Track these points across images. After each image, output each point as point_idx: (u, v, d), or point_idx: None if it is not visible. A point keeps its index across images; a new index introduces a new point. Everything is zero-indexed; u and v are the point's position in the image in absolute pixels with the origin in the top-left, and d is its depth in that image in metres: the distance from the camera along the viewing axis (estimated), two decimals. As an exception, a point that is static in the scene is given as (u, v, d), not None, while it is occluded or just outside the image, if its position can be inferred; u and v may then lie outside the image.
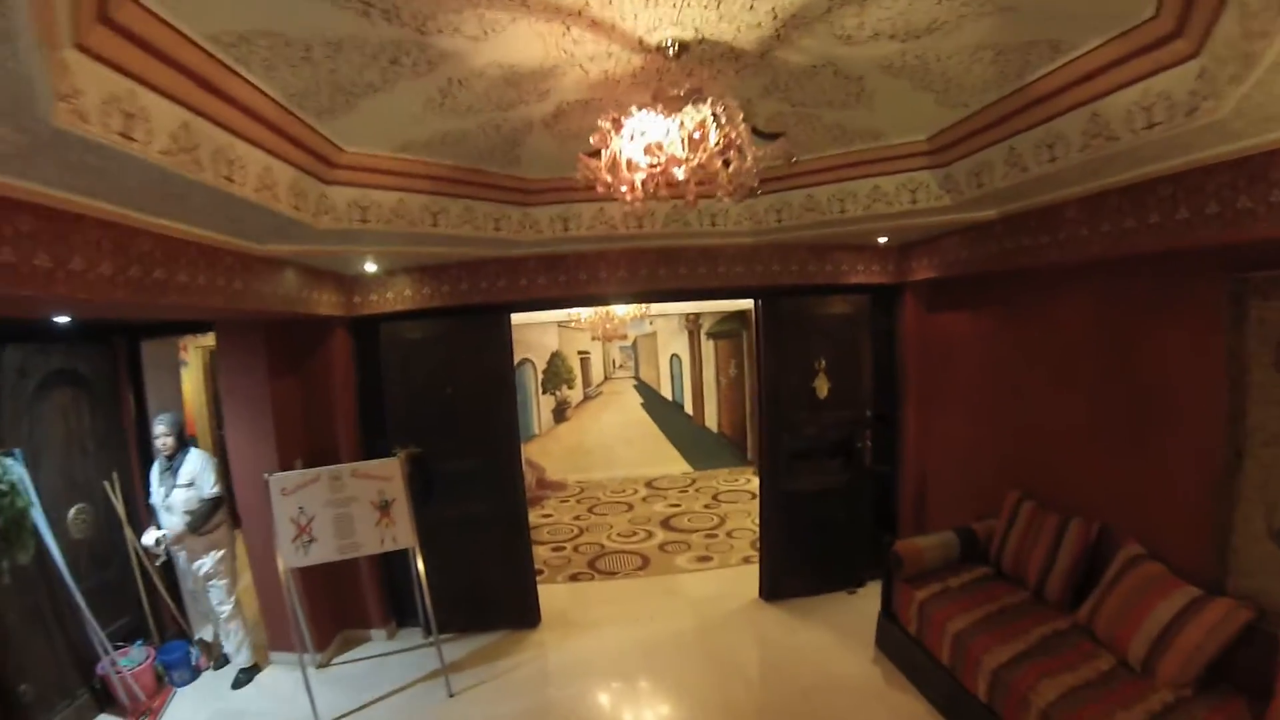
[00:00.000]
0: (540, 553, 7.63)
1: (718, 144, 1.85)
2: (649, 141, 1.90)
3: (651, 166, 1.90)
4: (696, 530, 8.13)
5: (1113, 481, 4.13)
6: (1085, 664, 3.55)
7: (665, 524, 8.46)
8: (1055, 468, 4.63)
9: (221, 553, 5.05)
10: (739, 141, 1.90)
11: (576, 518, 9.05)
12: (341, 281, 5.21)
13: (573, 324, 8.71)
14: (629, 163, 1.95)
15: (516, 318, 10.72)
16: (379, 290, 5.26)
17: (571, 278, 4.92)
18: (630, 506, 9.41)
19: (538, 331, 10.95)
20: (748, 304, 9.48)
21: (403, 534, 4.86)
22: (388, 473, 4.85)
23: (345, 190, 3.54)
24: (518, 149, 3.54)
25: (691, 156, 1.90)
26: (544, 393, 11.20)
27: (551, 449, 11.28)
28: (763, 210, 4.38)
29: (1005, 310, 5.03)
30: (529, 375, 11.16)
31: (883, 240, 5.25)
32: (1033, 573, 4.38)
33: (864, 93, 3.04)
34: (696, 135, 1.86)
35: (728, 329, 11.27)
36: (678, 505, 9.32)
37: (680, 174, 1.87)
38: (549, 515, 9.26)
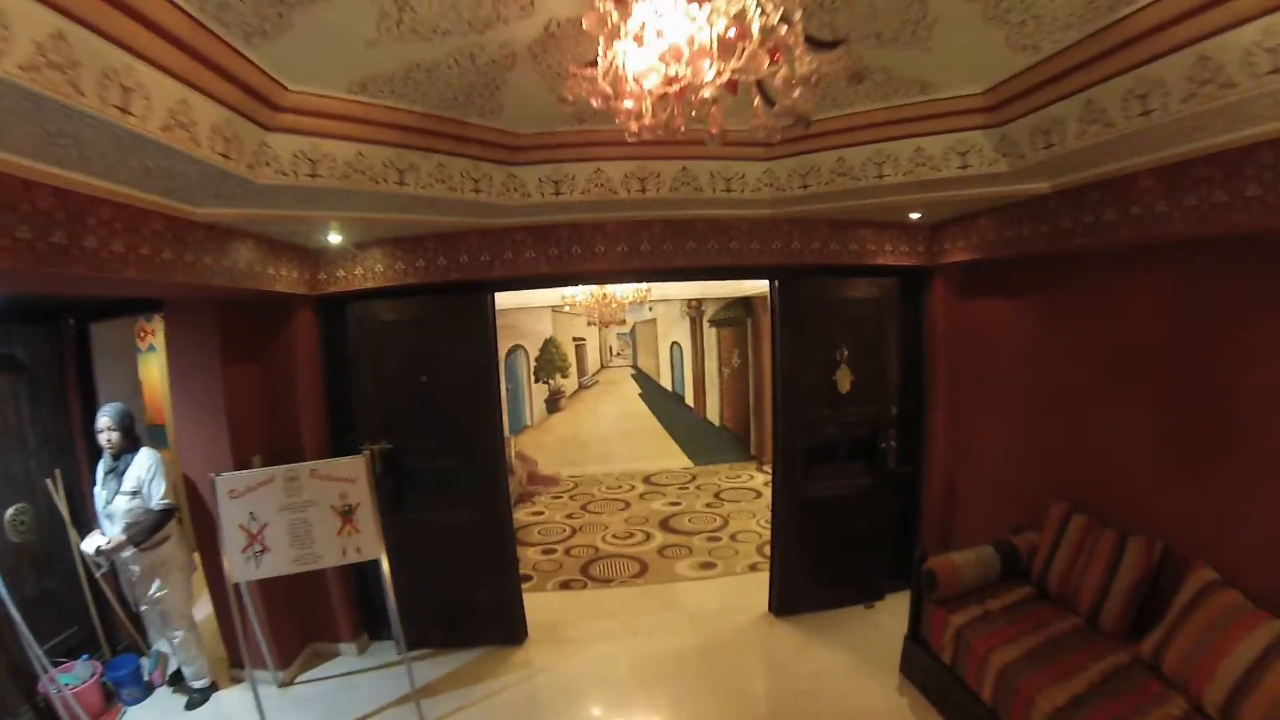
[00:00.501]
0: (529, 556, 7.11)
1: (761, 42, 1.29)
2: (667, 45, 1.34)
3: (669, 80, 1.34)
4: (698, 532, 7.61)
5: (1182, 496, 3.61)
6: (1155, 709, 3.07)
7: (664, 525, 7.94)
8: (1111, 478, 4.10)
9: (173, 577, 4.49)
10: (791, 41, 1.34)
11: (569, 516, 8.53)
12: (304, 256, 4.65)
13: (566, 308, 8.11)
14: (637, 76, 1.39)
15: (505, 299, 10.26)
16: (346, 265, 4.70)
17: (564, 252, 4.35)
18: (627, 504, 8.89)
19: (531, 317, 10.39)
20: (756, 289, 8.94)
21: (368, 544, 4.32)
22: (351, 473, 4.30)
23: (291, 139, 2.98)
24: (499, 93, 2.98)
25: (724, 65, 1.34)
26: (537, 381, 10.65)
27: (544, 441, 10.75)
28: (785, 175, 3.81)
29: (1054, 298, 4.49)
30: (521, 363, 10.61)
31: (915, 217, 4.69)
32: (1086, 597, 3.88)
33: (924, 20, 2.48)
34: (732, 33, 1.31)
35: (731, 316, 10.72)
36: (678, 504, 8.80)
37: (711, 75, 1.30)
38: (540, 513, 8.73)
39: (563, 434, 10.79)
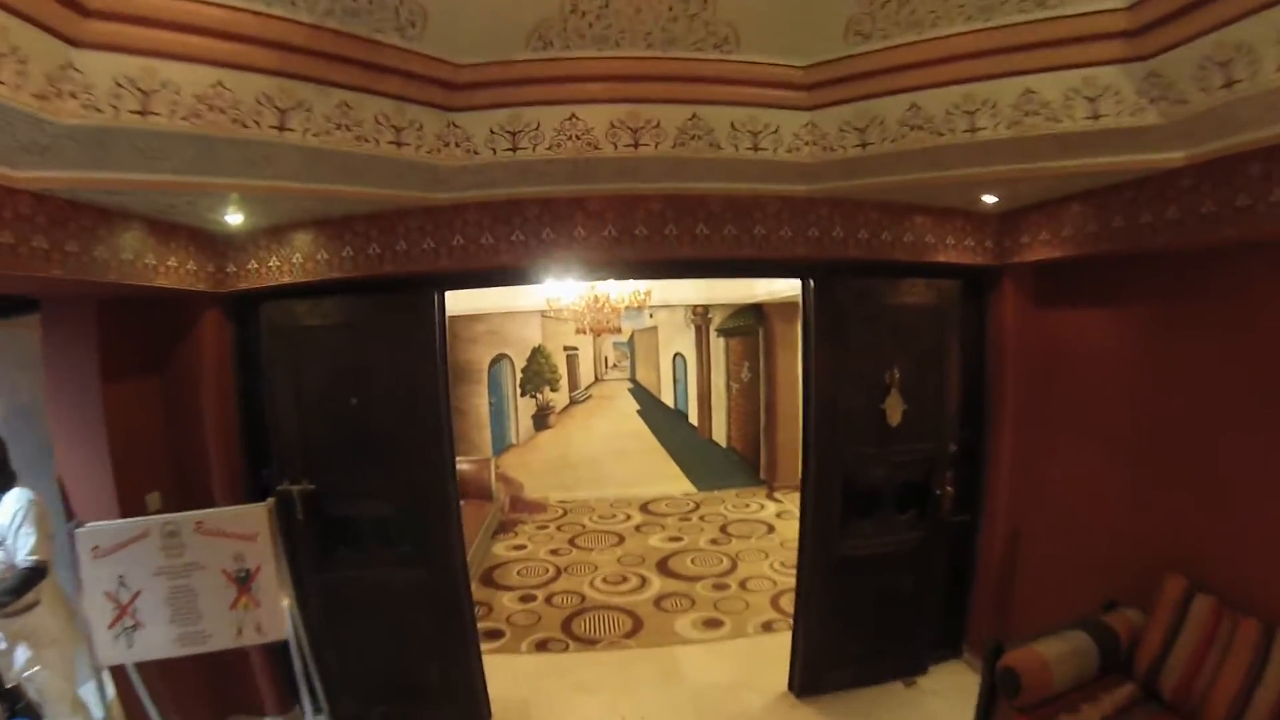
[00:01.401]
0: (503, 604, 6.13)
1: None
2: None
3: None
4: (702, 578, 6.61)
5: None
6: None
7: (663, 567, 6.93)
8: (1252, 546, 3.11)
9: (46, 653, 3.48)
10: None
11: (554, 551, 7.53)
12: (204, 243, 3.68)
13: (550, 312, 7.06)
14: None
15: (484, 301, 9.30)
16: (259, 254, 3.73)
17: (531, 237, 3.36)
18: (620, 539, 7.89)
19: (516, 322, 9.41)
20: (773, 293, 7.91)
21: (271, 620, 3.35)
22: (248, 528, 3.33)
23: (112, 59, 2.03)
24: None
25: None
26: (523, 395, 9.65)
27: (531, 462, 9.76)
28: (835, 129, 2.81)
29: (1174, 306, 3.50)
30: (506, 374, 9.63)
31: (990, 200, 3.72)
32: (1217, 708, 2.91)
33: None
34: None
35: (741, 325, 9.74)
36: (678, 539, 7.80)
37: None
38: (521, 547, 7.74)
39: (551, 454, 9.81)
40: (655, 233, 3.40)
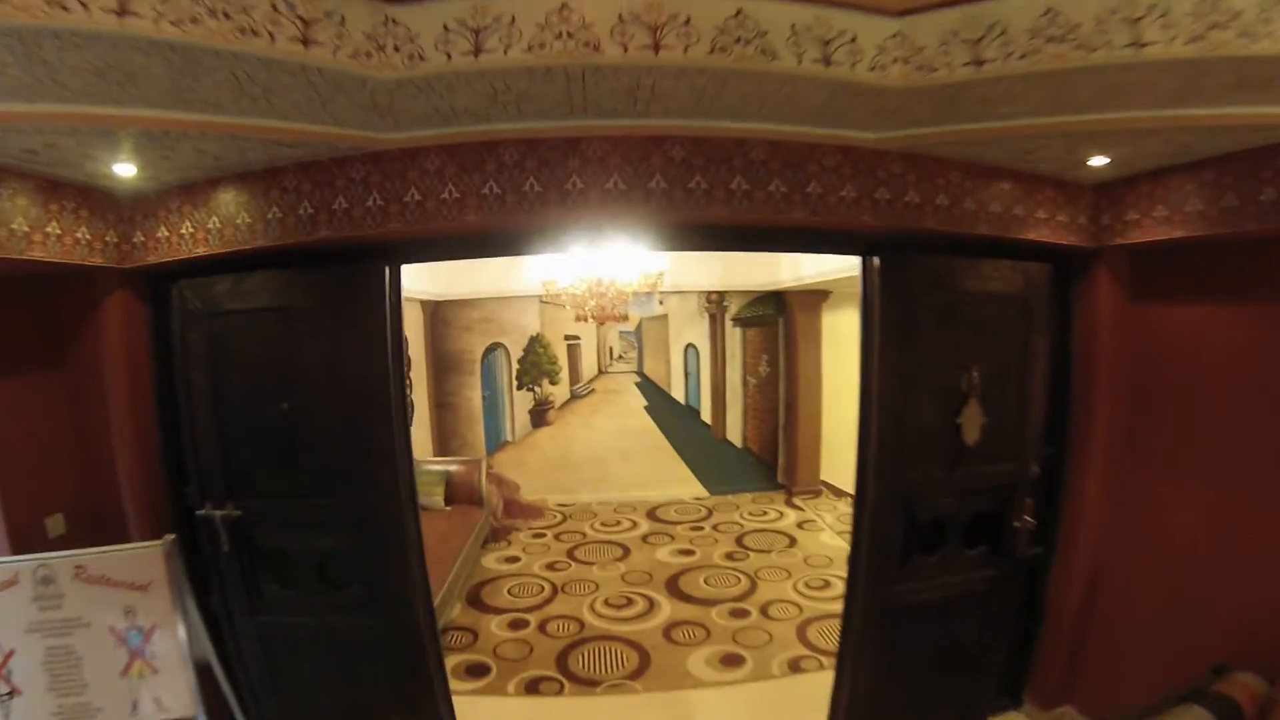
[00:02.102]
0: (491, 631, 5.41)
1: None
2: None
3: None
4: (718, 601, 5.88)
5: None
6: None
7: (673, 587, 6.20)
8: None
9: None
10: None
11: (551, 565, 6.81)
12: (95, 202, 2.92)
13: (547, 297, 6.27)
14: None
15: (478, 280, 8.61)
16: (170, 219, 2.98)
17: (510, 191, 2.58)
18: (625, 551, 7.16)
19: (512, 308, 8.67)
20: (815, 276, 7.10)
21: (173, 693, 2.62)
22: (140, 574, 2.61)
23: None
24: None
25: None
26: (519, 388, 8.93)
27: (528, 461, 9.04)
28: (936, 40, 2.01)
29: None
30: (500, 365, 8.91)
31: (1098, 163, 2.94)
32: None
33: None
34: None
35: (761, 314, 8.97)
36: (690, 552, 7.07)
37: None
38: (514, 559, 7.02)
39: (550, 453, 9.08)
40: (677, 186, 2.61)
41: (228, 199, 2.80)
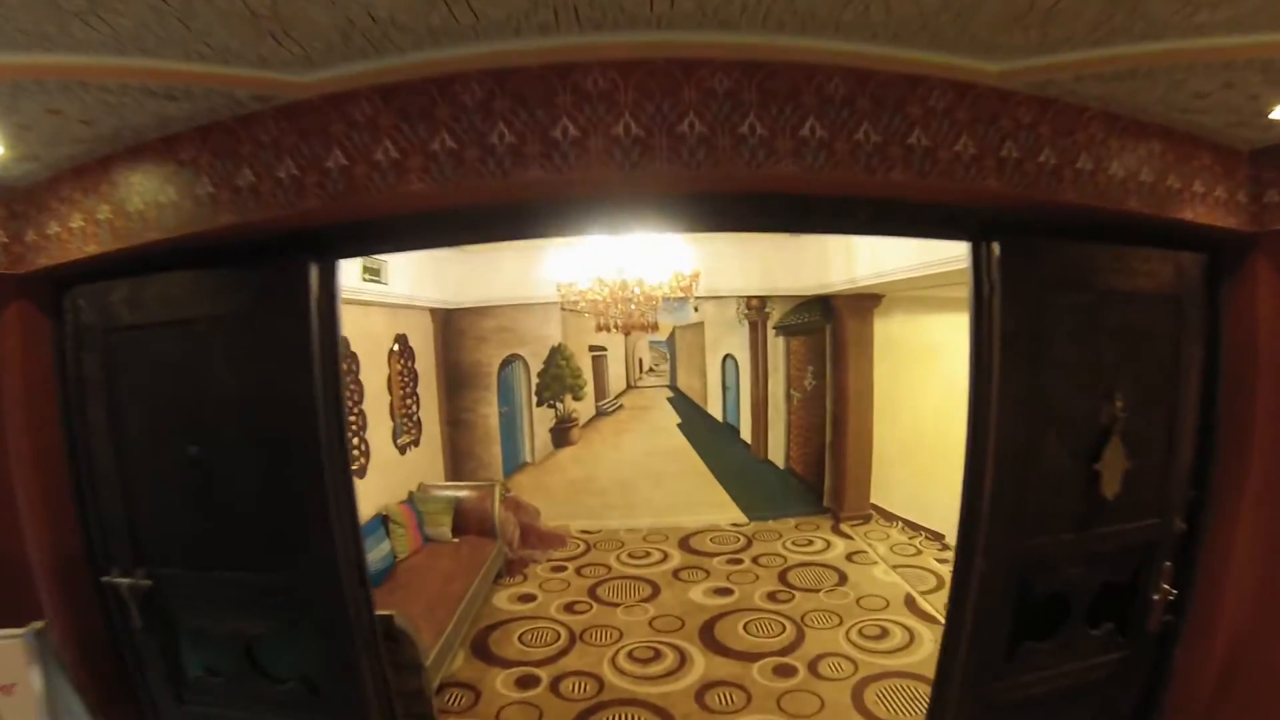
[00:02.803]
0: (495, 688, 4.76)
1: None
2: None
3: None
4: (760, 655, 5.15)
5: None
6: None
7: (708, 637, 5.48)
8: None
9: None
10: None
11: (569, 606, 6.14)
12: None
13: (565, 303, 5.52)
14: None
15: (490, 288, 8.03)
16: (61, 210, 2.36)
17: (472, 146, 1.86)
18: (654, 590, 6.46)
19: (533, 316, 8.02)
20: (872, 277, 6.32)
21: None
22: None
23: None
24: None
25: None
26: (540, 404, 8.27)
27: (549, 485, 8.38)
28: None
29: None
30: (519, 379, 8.26)
31: (1281, 114, 2.18)
32: None
33: None
34: None
35: (805, 322, 8.21)
36: (727, 591, 6.35)
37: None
38: (529, 598, 6.36)
39: (574, 475, 8.41)
40: (721, 132, 1.86)
41: (118, 181, 2.18)
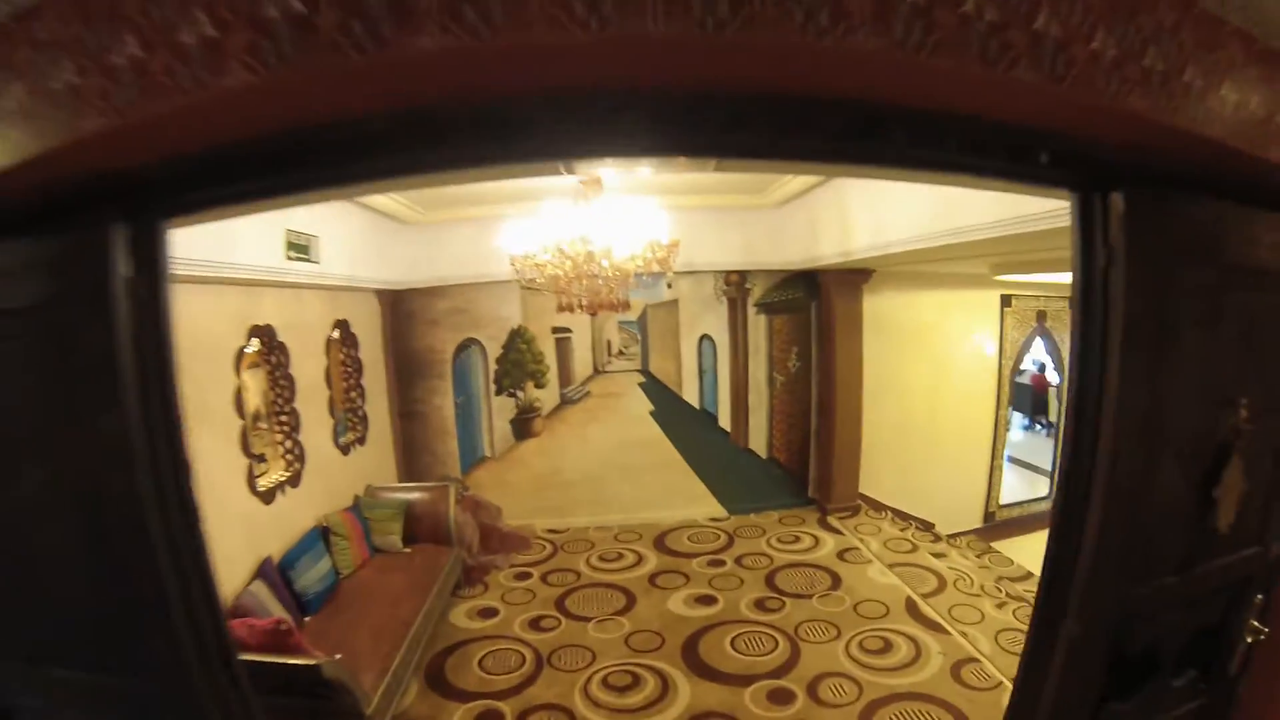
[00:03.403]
0: (448, 736, 4.17)
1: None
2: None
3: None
4: (751, 677, 4.64)
5: None
6: None
7: (691, 656, 4.95)
8: None
9: None
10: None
11: (535, 623, 5.56)
12: None
13: (520, 277, 4.67)
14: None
15: (429, 268, 7.34)
16: None
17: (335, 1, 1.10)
18: (629, 600, 5.90)
19: (490, 297, 7.34)
20: (865, 250, 5.73)
21: None
22: None
23: None
24: None
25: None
26: (499, 393, 7.62)
27: (511, 481, 7.76)
28: None
29: None
30: (476, 365, 7.60)
31: None
32: None
33: None
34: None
35: (789, 298, 7.66)
36: (710, 599, 5.82)
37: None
38: (490, 613, 5.76)
39: (538, 468, 7.80)
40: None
41: None
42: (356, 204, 5.44)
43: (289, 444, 5.35)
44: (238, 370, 4.55)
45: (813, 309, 7.64)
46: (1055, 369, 10.62)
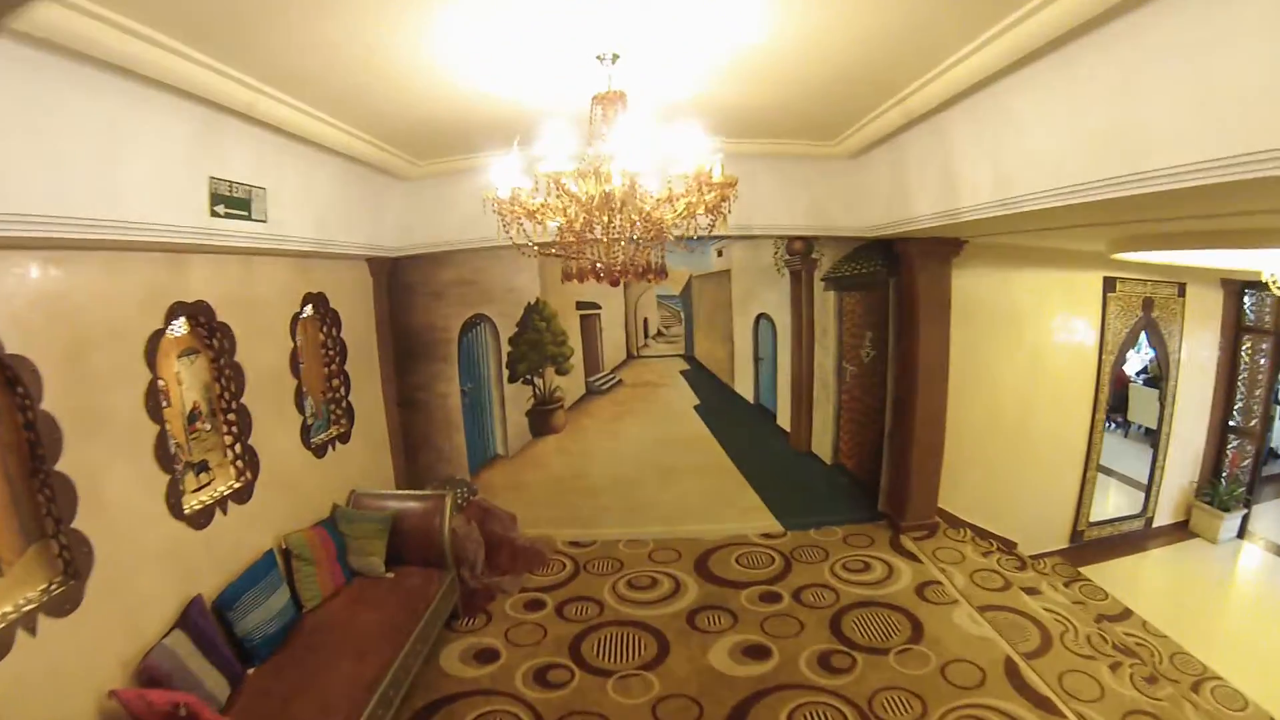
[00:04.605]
0: None
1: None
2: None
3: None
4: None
5: None
6: None
7: (737, 739, 3.93)
8: None
9: None
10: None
11: (542, 675, 4.60)
12: None
13: (504, 229, 3.41)
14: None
15: (430, 233, 6.14)
16: None
17: None
18: (661, 647, 4.90)
19: (502, 267, 6.29)
20: (967, 208, 4.49)
21: None
22: None
23: None
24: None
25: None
26: (513, 380, 6.59)
27: (527, 483, 6.77)
28: None
29: None
30: (486, 346, 6.57)
31: None
32: None
33: None
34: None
35: (863, 272, 6.47)
36: (762, 651, 4.80)
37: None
38: (490, 657, 4.82)
39: (559, 471, 6.80)
40: None
41: None
42: (328, 151, 4.42)
43: (238, 448, 4.43)
44: (150, 361, 3.59)
45: (891, 286, 6.45)
46: (1156, 365, 9.31)
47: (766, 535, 6.68)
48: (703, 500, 6.77)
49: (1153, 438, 8.76)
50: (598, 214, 2.92)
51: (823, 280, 6.47)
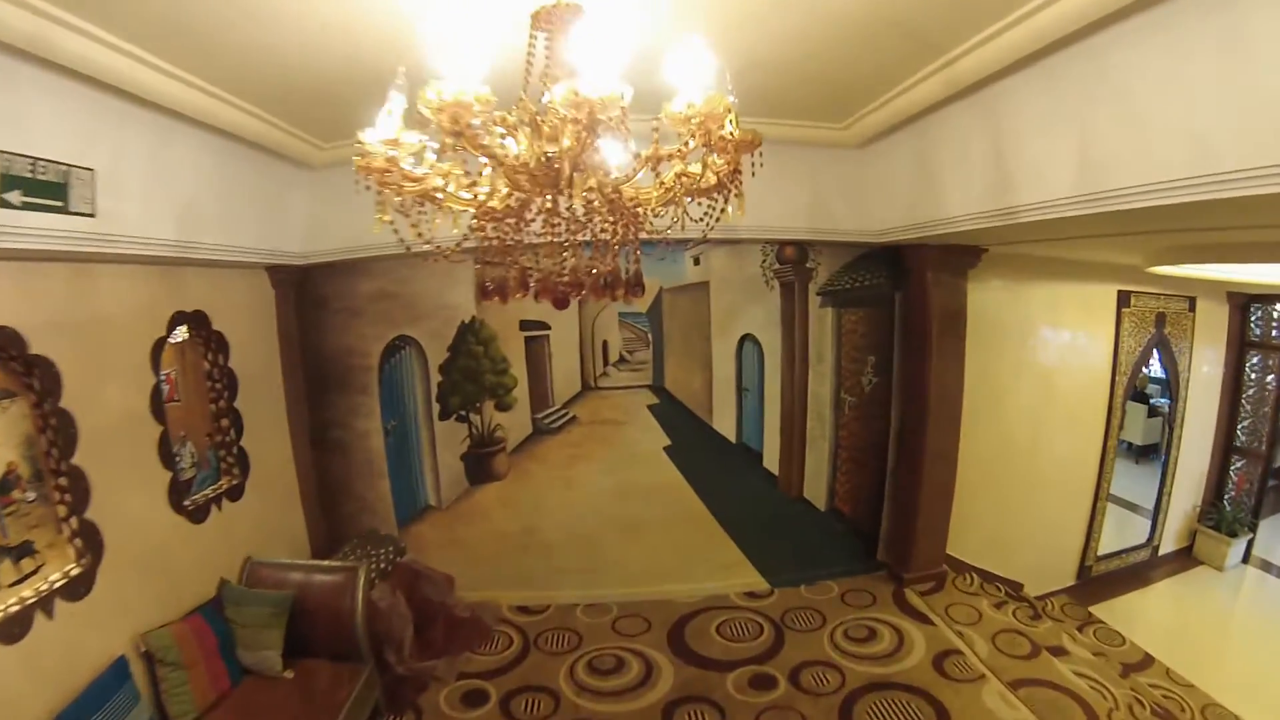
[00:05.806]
0: None
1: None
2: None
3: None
4: None
5: None
6: None
7: None
8: None
9: None
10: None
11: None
12: None
13: (379, 206, 2.49)
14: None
15: (338, 233, 4.27)
16: None
17: None
18: (632, 760, 3.98)
19: (431, 277, 5.31)
20: (989, 209, 3.66)
21: None
22: None
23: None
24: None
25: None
26: (445, 415, 5.60)
27: (466, 539, 5.78)
28: None
29: None
30: (413, 374, 5.58)
31: None
32: None
33: None
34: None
35: (866, 285, 5.67)
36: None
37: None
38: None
39: (504, 526, 5.83)
40: None
41: None
42: (196, 125, 3.47)
43: (74, 522, 3.40)
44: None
45: (897, 301, 5.66)
46: (1165, 386, 8.83)
47: (750, 595, 5.80)
48: (675, 557, 5.86)
49: (1143, 454, 8.28)
50: (533, 188, 1.98)
51: (819, 294, 5.62)
